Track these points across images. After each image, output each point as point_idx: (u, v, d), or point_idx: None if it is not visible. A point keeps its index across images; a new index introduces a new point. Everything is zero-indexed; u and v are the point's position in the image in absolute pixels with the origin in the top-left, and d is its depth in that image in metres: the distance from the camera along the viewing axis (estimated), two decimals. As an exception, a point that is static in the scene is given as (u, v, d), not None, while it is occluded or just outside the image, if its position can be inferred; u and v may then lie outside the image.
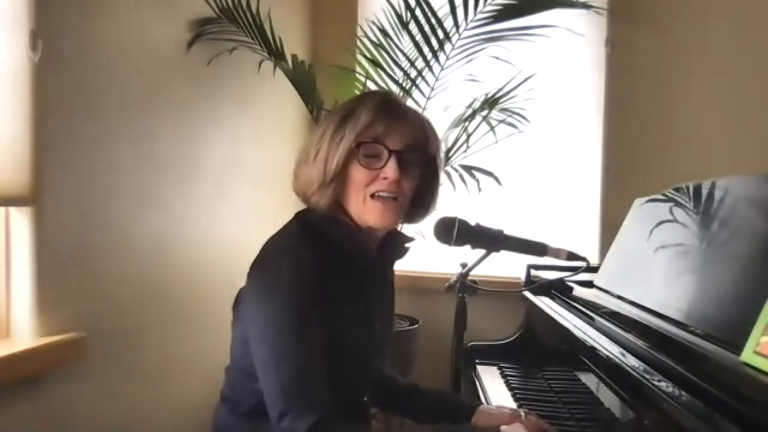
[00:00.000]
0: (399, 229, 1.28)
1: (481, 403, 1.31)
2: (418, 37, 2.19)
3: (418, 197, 1.18)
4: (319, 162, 1.10)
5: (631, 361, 1.04)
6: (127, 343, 1.67)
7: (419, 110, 1.31)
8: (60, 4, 1.43)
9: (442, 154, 1.22)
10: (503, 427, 1.14)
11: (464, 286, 1.36)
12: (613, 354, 1.10)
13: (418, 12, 2.16)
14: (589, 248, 2.40)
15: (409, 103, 2.06)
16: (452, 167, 2.23)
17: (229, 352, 1.20)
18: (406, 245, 1.25)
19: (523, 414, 1.20)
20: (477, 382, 1.57)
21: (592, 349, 1.19)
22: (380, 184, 1.09)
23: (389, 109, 1.12)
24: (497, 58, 2.28)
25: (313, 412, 0.98)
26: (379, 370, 1.32)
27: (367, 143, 1.09)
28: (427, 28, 2.17)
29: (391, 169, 1.08)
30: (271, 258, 1.10)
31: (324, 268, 1.07)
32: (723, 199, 1.21)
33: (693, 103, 2.37)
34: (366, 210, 1.11)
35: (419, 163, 1.14)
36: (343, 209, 1.14)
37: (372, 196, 1.10)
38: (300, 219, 1.16)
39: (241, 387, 1.16)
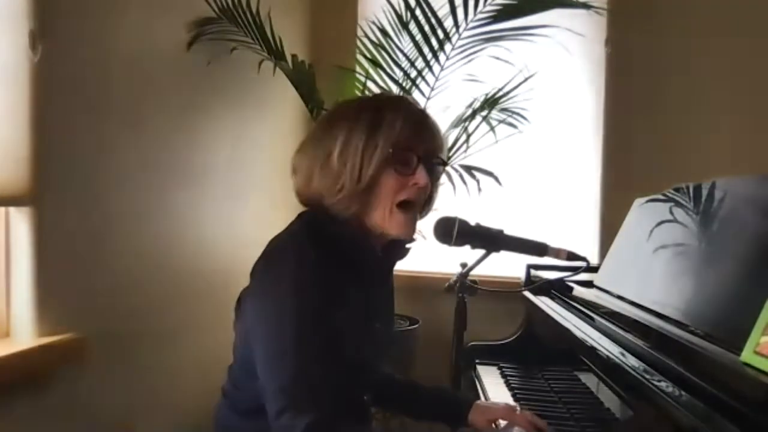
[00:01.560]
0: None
1: (478, 398, 1.35)
2: (418, 37, 2.19)
3: None
4: (348, 170, 1.09)
5: (631, 361, 1.04)
6: (127, 343, 1.67)
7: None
8: (60, 4, 1.43)
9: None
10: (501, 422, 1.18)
11: (464, 286, 1.36)
12: (613, 354, 1.10)
13: (418, 12, 2.16)
14: (589, 248, 2.40)
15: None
16: (452, 167, 2.23)
17: (232, 352, 1.21)
18: (407, 246, 1.25)
19: (518, 408, 1.23)
20: (477, 382, 1.57)
21: (592, 349, 1.19)
22: (410, 192, 1.11)
23: (417, 116, 1.14)
24: (497, 58, 2.28)
25: (312, 410, 0.98)
26: (379, 369, 1.33)
27: (401, 151, 1.09)
28: (427, 28, 2.17)
29: (421, 175, 1.10)
30: (275, 256, 1.10)
31: (327, 267, 1.07)
32: (723, 199, 1.21)
33: (692, 103, 2.37)
34: (392, 221, 1.12)
35: (440, 167, 1.17)
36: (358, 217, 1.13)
37: (399, 205, 1.11)
38: (304, 219, 1.16)
39: (243, 385, 1.16)
